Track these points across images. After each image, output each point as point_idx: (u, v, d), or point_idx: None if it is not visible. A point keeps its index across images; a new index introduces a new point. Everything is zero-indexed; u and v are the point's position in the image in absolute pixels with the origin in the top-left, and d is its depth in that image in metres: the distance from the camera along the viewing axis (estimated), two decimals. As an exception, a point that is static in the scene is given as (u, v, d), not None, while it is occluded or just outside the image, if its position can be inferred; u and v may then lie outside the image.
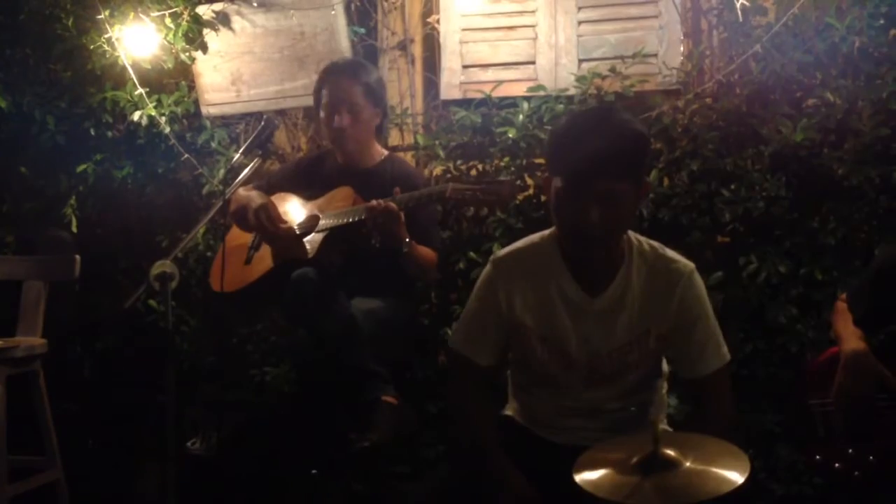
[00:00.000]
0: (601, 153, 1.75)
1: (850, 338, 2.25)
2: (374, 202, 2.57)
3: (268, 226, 2.74)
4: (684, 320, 1.90)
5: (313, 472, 2.75)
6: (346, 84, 2.83)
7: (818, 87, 2.98)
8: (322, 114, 2.88)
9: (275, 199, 2.87)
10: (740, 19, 3.03)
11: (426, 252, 2.72)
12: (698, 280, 1.93)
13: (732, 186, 2.95)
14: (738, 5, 3.00)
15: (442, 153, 3.24)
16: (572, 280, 1.91)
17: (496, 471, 1.87)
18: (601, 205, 1.76)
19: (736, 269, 2.94)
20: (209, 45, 3.41)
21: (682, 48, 3.21)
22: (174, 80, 3.48)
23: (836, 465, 2.27)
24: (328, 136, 2.92)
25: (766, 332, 2.94)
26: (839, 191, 2.91)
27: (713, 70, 3.17)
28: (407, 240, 2.59)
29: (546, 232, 1.98)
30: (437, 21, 3.43)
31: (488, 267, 2.00)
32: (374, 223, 2.57)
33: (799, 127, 2.91)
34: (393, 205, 2.55)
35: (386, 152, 2.97)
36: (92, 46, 3.32)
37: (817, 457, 2.31)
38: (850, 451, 2.25)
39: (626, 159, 1.78)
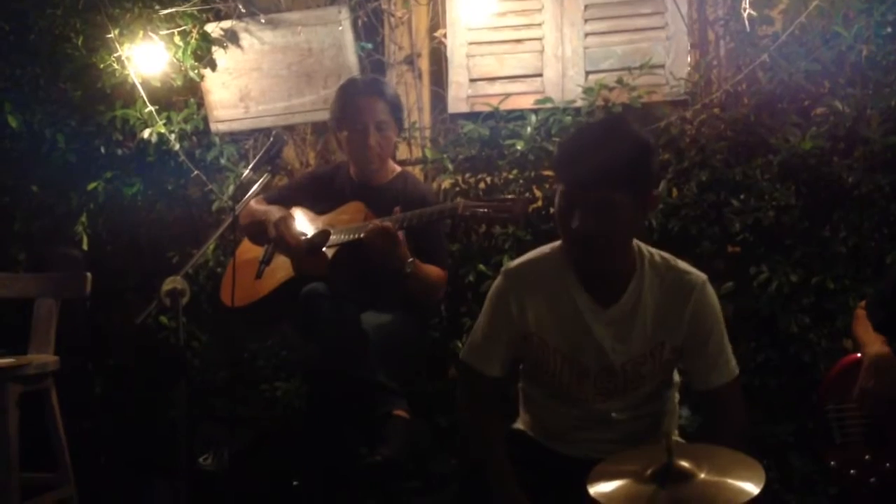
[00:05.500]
0: (597, 161, 1.77)
1: (874, 342, 2.25)
2: (372, 223, 2.57)
3: (289, 239, 2.73)
4: (697, 332, 1.89)
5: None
6: (372, 102, 2.82)
7: (826, 96, 2.98)
8: (346, 132, 2.86)
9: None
10: (747, 29, 3.03)
11: (433, 271, 2.70)
12: (711, 291, 1.92)
13: (742, 196, 2.95)
14: (744, 15, 3.00)
15: (450, 166, 3.25)
16: (583, 291, 1.91)
17: (500, 491, 1.87)
18: (595, 213, 1.77)
19: (747, 278, 2.93)
20: (218, 62, 3.43)
21: (689, 59, 3.22)
22: (183, 98, 3.50)
23: (852, 471, 2.27)
24: (352, 154, 2.88)
25: (778, 341, 2.92)
26: (849, 199, 2.90)
27: (720, 80, 3.17)
28: (410, 260, 2.58)
29: (557, 243, 1.98)
30: (444, 35, 3.44)
31: (500, 278, 2.00)
32: (372, 245, 2.56)
33: (808, 136, 2.90)
34: (388, 224, 2.55)
35: (399, 168, 2.97)
36: (102, 65, 3.34)
37: (832, 463, 2.31)
38: (867, 457, 2.25)
39: (624, 169, 1.77)
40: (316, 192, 2.94)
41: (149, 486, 3.11)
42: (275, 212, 2.81)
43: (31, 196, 3.62)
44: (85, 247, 3.49)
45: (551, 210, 3.07)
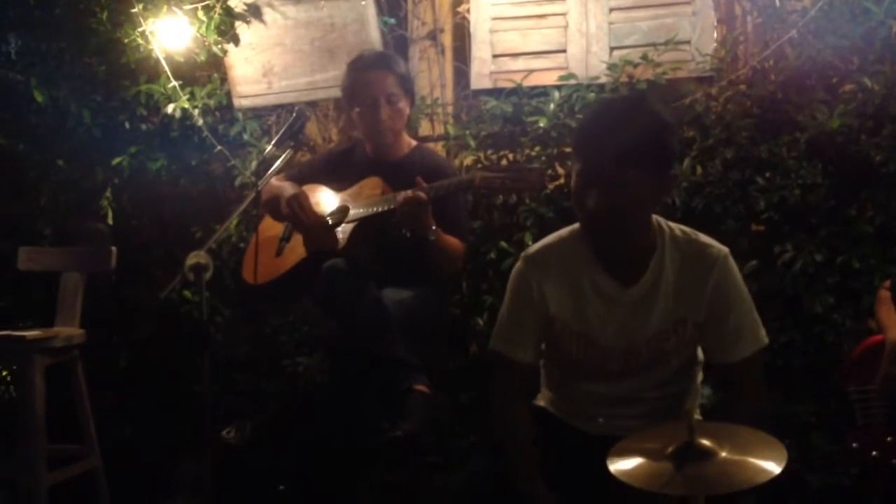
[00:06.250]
0: (613, 139, 1.75)
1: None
2: (406, 192, 2.58)
3: (300, 215, 2.75)
4: (720, 305, 1.88)
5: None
6: (381, 76, 2.82)
7: (855, 73, 2.93)
8: (357, 108, 2.86)
9: (306, 189, 2.89)
10: (776, 4, 2.99)
11: (453, 242, 2.71)
12: (733, 264, 1.91)
13: (767, 174, 2.91)
14: (773, -10, 2.96)
15: (472, 143, 3.23)
16: (604, 271, 1.90)
17: (523, 480, 1.87)
18: (610, 192, 1.76)
19: (771, 257, 2.91)
20: (241, 37, 3.43)
21: (715, 34, 3.17)
22: (207, 73, 3.50)
23: (874, 452, 2.26)
24: (365, 130, 2.88)
25: (801, 321, 2.90)
26: (877, 178, 2.86)
27: (747, 56, 3.13)
28: (433, 228, 2.60)
29: (576, 225, 1.97)
30: (468, 10, 3.42)
31: (519, 264, 2.00)
32: (404, 213, 2.57)
33: (835, 113, 2.86)
34: (422, 194, 2.56)
35: (414, 143, 2.97)
36: (126, 40, 3.35)
37: (854, 444, 2.30)
38: (889, 439, 2.23)
39: (641, 148, 1.75)
40: (334, 169, 2.95)
41: (173, 458, 3.15)
42: (288, 189, 2.82)
43: (57, 170, 3.65)
44: (110, 221, 3.53)
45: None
